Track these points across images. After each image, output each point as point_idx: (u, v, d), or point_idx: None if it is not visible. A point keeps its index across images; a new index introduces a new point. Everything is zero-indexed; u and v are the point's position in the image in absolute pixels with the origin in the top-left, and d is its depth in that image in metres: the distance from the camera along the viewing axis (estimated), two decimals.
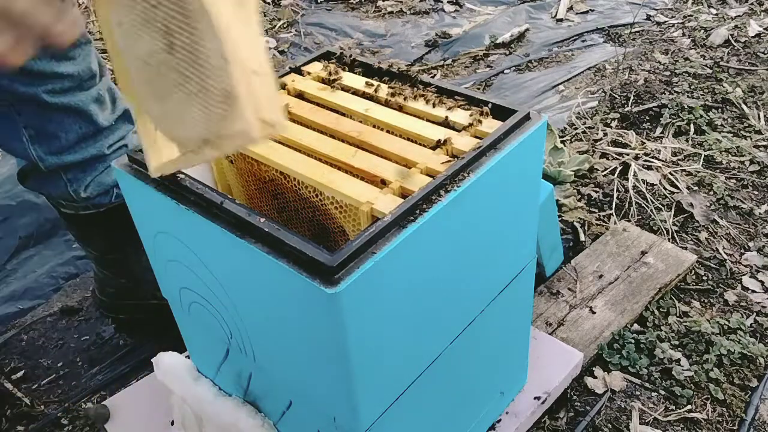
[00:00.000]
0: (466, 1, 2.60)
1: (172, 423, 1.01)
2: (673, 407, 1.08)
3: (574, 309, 1.21)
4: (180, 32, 0.49)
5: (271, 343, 0.69)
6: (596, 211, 1.50)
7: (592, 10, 2.47)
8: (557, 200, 1.45)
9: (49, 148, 1.03)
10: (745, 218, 1.47)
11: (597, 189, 1.55)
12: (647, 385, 1.12)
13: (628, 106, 1.85)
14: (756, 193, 1.54)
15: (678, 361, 1.15)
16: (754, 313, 1.24)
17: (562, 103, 1.93)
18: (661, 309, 1.24)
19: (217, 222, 0.63)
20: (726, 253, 1.38)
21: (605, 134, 1.74)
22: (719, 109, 1.82)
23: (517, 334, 0.95)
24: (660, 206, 1.49)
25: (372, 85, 0.81)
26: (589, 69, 2.10)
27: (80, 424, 1.12)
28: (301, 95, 0.82)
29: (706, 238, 1.41)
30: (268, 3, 2.63)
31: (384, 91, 0.80)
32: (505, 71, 2.14)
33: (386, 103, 0.79)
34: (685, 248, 1.37)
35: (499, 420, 1.00)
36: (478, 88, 2.04)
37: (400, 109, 0.78)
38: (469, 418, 0.91)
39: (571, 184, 1.52)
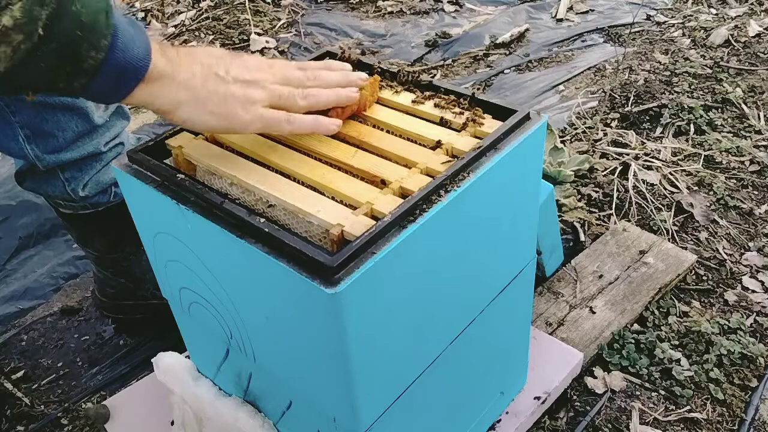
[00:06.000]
0: (466, 1, 2.60)
1: (172, 423, 1.01)
2: (673, 407, 1.09)
3: (574, 309, 1.21)
4: None
5: (271, 343, 0.69)
6: (596, 211, 1.50)
7: (592, 10, 2.47)
8: (557, 200, 1.45)
9: (46, 147, 1.03)
10: (745, 218, 1.47)
11: (597, 189, 1.55)
12: (647, 385, 1.12)
13: (628, 106, 1.85)
14: (756, 193, 1.54)
15: (678, 361, 1.15)
16: (754, 313, 1.24)
17: (562, 103, 1.93)
18: (661, 309, 1.24)
19: (217, 222, 0.63)
20: (726, 253, 1.38)
21: (605, 134, 1.74)
22: (719, 109, 1.82)
23: (517, 334, 0.95)
24: (660, 206, 1.49)
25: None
26: (589, 69, 2.10)
27: (80, 424, 1.12)
28: None
29: (706, 238, 1.41)
30: (268, 3, 2.63)
31: (384, 91, 0.80)
32: (505, 71, 2.14)
33: (386, 103, 0.79)
34: (685, 248, 1.37)
35: (499, 420, 1.00)
36: (478, 88, 2.04)
37: (400, 109, 0.78)
38: (469, 418, 0.91)
39: (571, 184, 1.52)
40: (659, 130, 1.76)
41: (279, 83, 0.69)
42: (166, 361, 0.93)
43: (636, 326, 1.21)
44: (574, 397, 1.10)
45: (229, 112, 0.65)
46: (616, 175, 1.58)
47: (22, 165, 1.09)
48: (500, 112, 0.74)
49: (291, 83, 0.70)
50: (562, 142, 1.70)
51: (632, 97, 1.88)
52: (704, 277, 1.32)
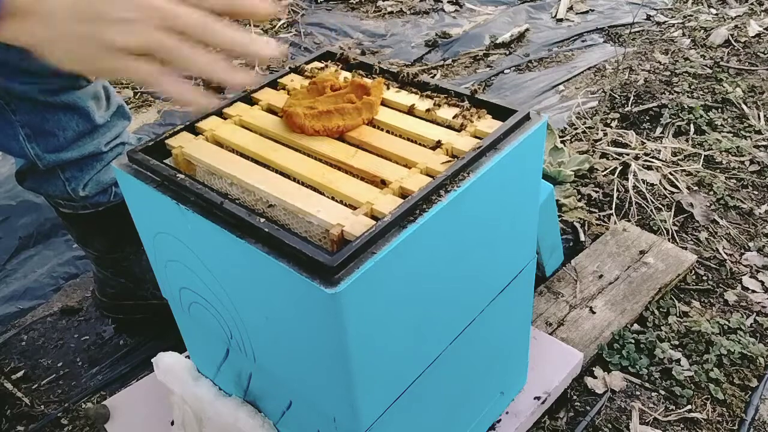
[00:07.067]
0: (466, 1, 2.60)
1: (172, 423, 1.01)
2: (673, 407, 1.09)
3: (574, 309, 1.21)
4: None
5: (271, 343, 0.69)
6: (596, 211, 1.50)
7: (592, 10, 2.47)
8: (557, 200, 1.45)
9: (46, 146, 1.03)
10: (745, 218, 1.47)
11: (597, 189, 1.55)
12: (647, 385, 1.12)
13: (628, 106, 1.85)
14: (756, 193, 1.54)
15: (678, 361, 1.15)
16: (754, 313, 1.24)
17: (562, 103, 1.93)
18: (661, 309, 1.25)
19: (217, 222, 0.63)
20: (726, 253, 1.38)
21: (605, 134, 1.74)
22: (719, 109, 1.82)
23: (517, 334, 0.95)
24: (660, 206, 1.49)
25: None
26: (589, 69, 2.10)
27: (80, 424, 1.12)
28: None
29: (706, 238, 1.41)
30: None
31: (384, 91, 0.80)
32: (505, 71, 2.14)
33: (386, 103, 0.79)
34: (685, 248, 1.37)
35: (499, 420, 1.00)
36: (478, 88, 2.04)
37: (400, 109, 0.78)
38: (469, 418, 0.91)
39: (571, 184, 1.52)
40: (659, 130, 1.76)
41: (160, 27, 0.58)
42: (166, 361, 0.93)
43: (636, 326, 1.21)
44: (574, 397, 1.10)
45: (87, 55, 0.58)
46: (616, 175, 1.58)
47: (23, 164, 1.09)
48: (500, 112, 0.74)
49: (175, 27, 0.59)
50: (562, 142, 1.70)
51: (632, 97, 1.88)
52: (704, 277, 1.32)
